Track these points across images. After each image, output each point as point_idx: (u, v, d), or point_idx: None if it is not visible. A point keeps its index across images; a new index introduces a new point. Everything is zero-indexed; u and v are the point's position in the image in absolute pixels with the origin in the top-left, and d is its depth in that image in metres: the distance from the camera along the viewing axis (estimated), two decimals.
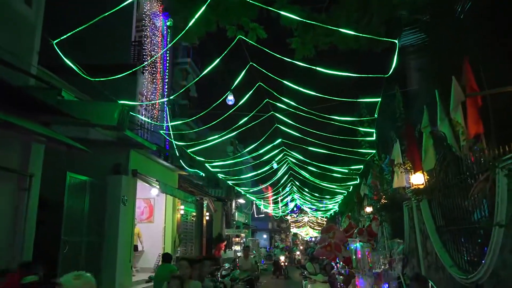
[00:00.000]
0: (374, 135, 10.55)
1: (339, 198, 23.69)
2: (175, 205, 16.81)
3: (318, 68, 7.60)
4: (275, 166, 14.71)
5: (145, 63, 18.14)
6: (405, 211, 10.27)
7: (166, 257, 8.91)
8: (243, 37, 8.18)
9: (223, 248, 21.83)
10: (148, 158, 14.37)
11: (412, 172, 9.47)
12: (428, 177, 9.47)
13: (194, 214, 20.24)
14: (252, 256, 10.48)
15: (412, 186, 9.50)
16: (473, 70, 5.82)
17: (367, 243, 7.17)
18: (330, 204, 27.88)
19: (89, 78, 7.44)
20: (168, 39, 22.78)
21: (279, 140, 13.32)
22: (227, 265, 13.31)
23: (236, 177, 17.72)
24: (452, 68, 6.98)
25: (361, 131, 11.21)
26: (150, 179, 13.08)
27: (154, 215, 16.70)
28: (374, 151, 12.01)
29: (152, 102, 18.15)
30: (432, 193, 8.06)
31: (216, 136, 12.12)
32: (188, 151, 12.97)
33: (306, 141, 13.36)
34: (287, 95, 10.29)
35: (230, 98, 11.63)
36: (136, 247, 15.05)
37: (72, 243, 9.77)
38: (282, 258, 23.24)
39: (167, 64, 22.01)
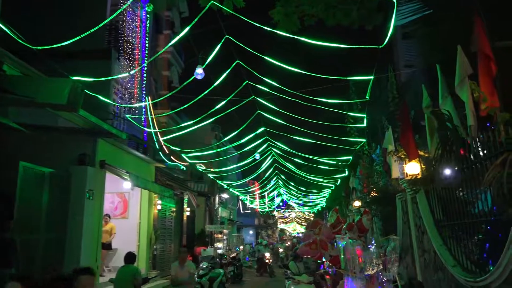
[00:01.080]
0: (365, 120, 9.58)
1: (327, 192, 22.80)
2: (152, 200, 15.69)
3: (303, 39, 6.58)
4: (257, 157, 13.70)
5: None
6: (398, 204, 9.35)
7: (128, 258, 7.84)
8: (217, 4, 7.16)
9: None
10: (120, 149, 13.24)
11: (407, 161, 8.54)
12: (424, 166, 8.57)
13: (174, 209, 19.12)
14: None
15: (407, 176, 8.58)
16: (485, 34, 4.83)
17: (357, 240, 6.18)
18: (317, 198, 27.01)
19: (31, 47, 6.31)
20: (148, 25, 21.60)
21: (262, 128, 12.31)
22: (205, 264, 12.27)
23: (217, 170, 16.64)
24: (455, 38, 6.03)
25: (351, 116, 10.24)
26: (120, 171, 11.95)
27: (129, 211, 15.56)
28: (364, 140, 11.07)
29: (122, 84, 16.90)
30: (431, 183, 7.11)
31: (191, 122, 11.04)
32: (162, 139, 11.86)
33: (291, 129, 12.39)
34: (269, 76, 9.27)
35: (199, 72, 10.22)
36: (110, 245, 13.93)
37: (25, 241, 8.62)
38: (267, 255, 22.26)
39: (146, 52, 20.79)
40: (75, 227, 10.38)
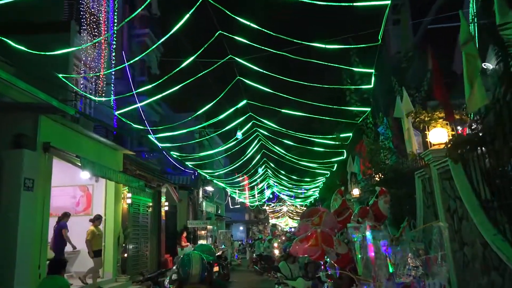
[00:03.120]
0: (372, 78, 7.48)
1: (321, 181, 20.73)
2: (119, 193, 13.48)
3: None
4: (239, 136, 11.55)
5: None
6: (418, 184, 7.28)
7: (54, 266, 5.62)
8: None
9: (184, 241, 18.60)
10: (75, 131, 11.01)
11: (431, 127, 6.49)
12: (453, 132, 6.52)
13: (150, 204, 16.92)
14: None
15: (431, 146, 6.53)
16: None
17: (380, 231, 4.09)
18: (310, 189, 24.99)
19: None
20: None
21: (244, 101, 10.17)
22: None
23: (194, 155, 14.47)
24: None
25: (355, 72, 8.11)
26: (69, 155, 9.74)
27: (93, 206, 13.34)
28: (368, 109, 8.98)
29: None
30: (475, 149, 5.04)
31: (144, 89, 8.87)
32: (116, 113, 9.67)
33: (280, 100, 10.27)
34: (250, 32, 7.13)
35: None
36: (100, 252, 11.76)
37: None
38: (276, 252, 19.25)
39: (114, 28, 18.44)
40: (7, 226, 8.19)
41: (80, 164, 9.67)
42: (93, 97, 13.81)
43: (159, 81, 8.72)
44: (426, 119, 6.22)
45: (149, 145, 15.96)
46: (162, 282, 9.23)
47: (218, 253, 17.93)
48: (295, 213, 54.15)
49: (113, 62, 17.97)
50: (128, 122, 11.14)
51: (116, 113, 10.98)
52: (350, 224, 4.51)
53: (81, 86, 15.78)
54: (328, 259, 5.91)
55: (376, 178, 10.57)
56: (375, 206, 5.39)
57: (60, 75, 9.51)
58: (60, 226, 11.29)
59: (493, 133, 4.71)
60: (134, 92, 11.34)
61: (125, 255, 13.57)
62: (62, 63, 13.73)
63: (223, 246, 20.35)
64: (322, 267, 7.36)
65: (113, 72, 17.82)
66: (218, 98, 9.08)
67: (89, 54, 16.05)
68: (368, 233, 3.76)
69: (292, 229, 68.03)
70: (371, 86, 7.75)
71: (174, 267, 10.48)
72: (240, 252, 30.04)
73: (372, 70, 7.32)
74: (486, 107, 4.79)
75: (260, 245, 21.80)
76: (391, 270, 3.71)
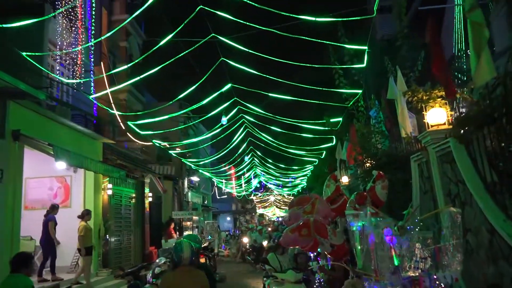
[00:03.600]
0: (365, 59, 6.99)
1: (309, 169, 20.33)
2: (99, 184, 12.86)
3: None
4: (224, 121, 10.99)
5: None
6: (414, 168, 6.87)
7: (17, 262, 5.04)
8: None
9: (172, 232, 18.05)
10: (48, 119, 10.35)
11: (429, 107, 6.05)
12: (451, 112, 6.10)
13: (134, 195, 16.33)
14: None
15: (429, 128, 6.10)
16: None
17: (382, 218, 3.64)
18: (298, 177, 24.61)
19: None
20: None
21: (229, 85, 9.62)
22: (162, 260, 9.62)
23: (177, 143, 13.88)
24: None
25: (347, 50, 7.61)
26: (41, 144, 9.10)
27: (72, 198, 12.71)
28: (359, 92, 8.52)
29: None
30: (481, 128, 4.61)
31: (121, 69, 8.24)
32: (91, 98, 9.04)
33: (266, 83, 9.76)
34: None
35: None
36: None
37: None
38: (265, 243, 18.65)
39: (92, 11, 17.58)
40: None
41: (53, 153, 9.03)
42: (66, 81, 13.01)
43: (136, 61, 8.04)
44: (424, 98, 5.76)
45: (133, 134, 15.29)
46: (144, 276, 8.71)
47: (205, 244, 17.46)
48: (282, 203, 53.90)
49: (92, 48, 17.20)
50: (105, 107, 10.49)
51: (92, 97, 10.29)
52: (349, 211, 4.05)
53: (57, 72, 15.01)
54: (320, 250, 5.46)
55: (367, 164, 10.17)
56: (372, 192, 4.96)
57: (24, 53, 8.78)
58: (47, 219, 10.70)
59: (502, 110, 4.29)
60: (106, 74, 10.66)
61: (107, 248, 12.99)
62: (36, 48, 12.98)
63: (209, 237, 19.89)
64: (315, 258, 6.93)
65: (92, 59, 17.09)
66: (201, 81, 8.53)
67: (64, 39, 15.26)
68: (369, 221, 3.30)
69: (280, 219, 67.98)
70: (364, 65, 7.26)
71: (157, 260, 9.95)
72: (228, 242, 29.63)
73: (365, 47, 6.83)
74: (494, 81, 4.35)
75: (251, 235, 21.14)
76: (396, 262, 3.25)
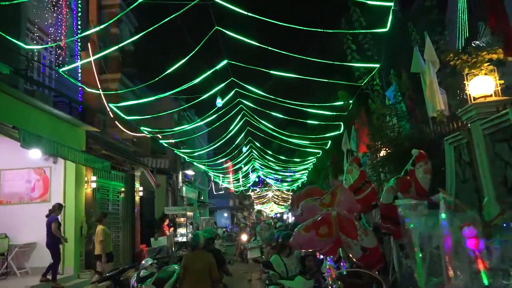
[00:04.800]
0: (389, 20, 5.77)
1: (311, 161, 19.11)
2: (81, 176, 11.63)
3: None
4: (219, 104, 9.76)
5: None
6: (449, 152, 5.65)
7: None
8: None
9: (166, 229, 16.84)
10: (23, 102, 9.09)
11: (470, 75, 4.85)
12: (501, 81, 4.91)
13: (123, 189, 15.11)
14: None
15: (473, 100, 4.90)
16: None
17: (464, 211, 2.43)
18: (299, 171, 23.41)
19: None
20: None
21: (225, 61, 8.38)
22: (148, 261, 8.42)
23: (168, 130, 12.63)
24: None
25: (370, 5, 6.36)
26: (6, 127, 7.86)
27: (51, 192, 11.48)
28: (377, 65, 7.31)
29: None
30: None
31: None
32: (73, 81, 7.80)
33: (267, 62, 8.54)
34: None
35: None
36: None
37: None
38: (244, 238, 17.28)
39: None
40: None
41: (14, 135, 7.78)
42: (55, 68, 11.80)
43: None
44: (472, 61, 4.55)
45: (122, 124, 14.05)
46: (125, 281, 7.51)
47: None
48: (280, 199, 52.79)
49: (78, 31, 15.92)
50: (91, 90, 9.27)
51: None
52: (402, 201, 2.84)
53: (37, 56, 13.75)
54: (342, 254, 4.23)
55: (383, 152, 8.98)
56: (412, 178, 3.76)
57: None
58: (50, 220, 9.76)
59: None
60: (94, 57, 9.41)
61: (90, 247, 11.77)
62: (12, 26, 11.73)
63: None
64: (330, 261, 5.72)
65: (78, 43, 15.85)
66: (192, 53, 7.28)
67: (46, 19, 13.99)
68: (448, 216, 2.09)
69: (278, 215, 66.85)
70: (387, 29, 6.04)
71: (143, 261, 8.74)
72: (225, 239, 28.45)
73: (391, 3, 5.60)
74: None
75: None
76: (485, 280, 2.04)
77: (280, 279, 5.49)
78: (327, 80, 8.25)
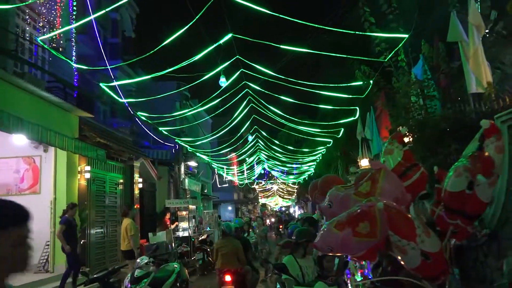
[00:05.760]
0: None
1: (321, 151, 18.13)
2: (74, 166, 10.74)
3: None
4: (223, 83, 8.78)
5: None
6: (503, 132, 4.66)
7: None
8: None
9: (168, 223, 15.95)
10: (12, 85, 8.19)
11: None
12: None
13: (121, 181, 14.23)
14: None
15: None
16: None
17: None
18: (307, 163, 22.42)
19: None
20: None
21: (229, 35, 7.40)
22: (144, 260, 7.53)
23: (167, 116, 11.69)
24: None
25: None
26: None
27: (41, 182, 10.62)
28: (405, 36, 6.32)
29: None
30: None
31: None
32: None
33: (275, 35, 7.64)
34: None
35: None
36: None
37: None
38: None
39: None
40: None
41: None
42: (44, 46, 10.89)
43: None
44: None
45: (117, 108, 13.15)
46: (116, 283, 6.61)
47: (203, 237, 15.41)
48: (285, 192, 51.86)
49: (74, 13, 14.96)
50: (85, 67, 8.32)
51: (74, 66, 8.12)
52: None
53: (29, 37, 12.83)
54: (380, 258, 3.27)
55: (409, 138, 8.00)
56: (483, 153, 2.80)
57: None
58: (60, 222, 9.11)
59: None
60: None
61: (84, 242, 10.91)
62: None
63: (208, 229, 17.79)
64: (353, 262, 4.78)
65: (73, 28, 14.89)
66: (193, 21, 6.30)
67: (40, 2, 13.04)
68: None
69: (283, 208, 65.92)
70: None
71: (138, 260, 7.83)
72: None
73: None
74: None
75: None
76: None
77: (297, 285, 4.56)
78: (344, 56, 7.24)
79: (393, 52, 6.76)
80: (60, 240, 9.01)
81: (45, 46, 11.05)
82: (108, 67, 8.13)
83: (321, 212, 16.72)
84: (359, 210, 2.69)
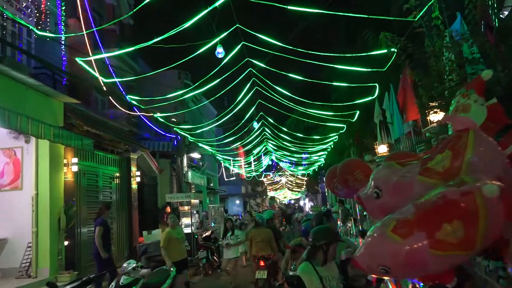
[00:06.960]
0: None
1: (333, 138, 16.85)
2: (59, 158, 9.62)
3: None
4: (220, 54, 7.55)
5: None
6: None
7: None
8: None
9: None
10: None
11: None
12: None
13: (117, 174, 13.11)
14: None
15: None
16: None
17: None
18: (317, 152, 21.19)
19: None
20: None
21: None
22: (131, 264, 6.38)
23: (161, 98, 10.49)
24: None
25: None
26: None
27: (23, 177, 9.49)
28: None
29: None
30: None
31: None
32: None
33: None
34: None
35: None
36: None
37: None
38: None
39: None
40: None
41: None
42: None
43: None
44: None
45: (117, 100, 11.99)
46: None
47: (207, 234, 14.27)
48: (294, 184, 50.69)
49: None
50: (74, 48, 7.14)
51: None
52: None
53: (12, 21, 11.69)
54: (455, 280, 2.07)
55: (436, 116, 6.79)
56: None
57: None
58: (95, 224, 8.40)
59: None
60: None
61: (71, 243, 9.80)
62: None
63: (212, 224, 16.64)
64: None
65: (60, 6, 13.75)
66: None
67: None
68: None
69: (292, 201, 64.70)
70: None
71: (124, 264, 6.66)
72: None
73: None
74: None
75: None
76: None
77: None
78: (366, 16, 5.97)
79: (426, 7, 5.48)
80: (98, 245, 8.06)
81: (31, 27, 9.91)
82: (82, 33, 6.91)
83: (341, 205, 15.38)
84: (441, 202, 1.48)
